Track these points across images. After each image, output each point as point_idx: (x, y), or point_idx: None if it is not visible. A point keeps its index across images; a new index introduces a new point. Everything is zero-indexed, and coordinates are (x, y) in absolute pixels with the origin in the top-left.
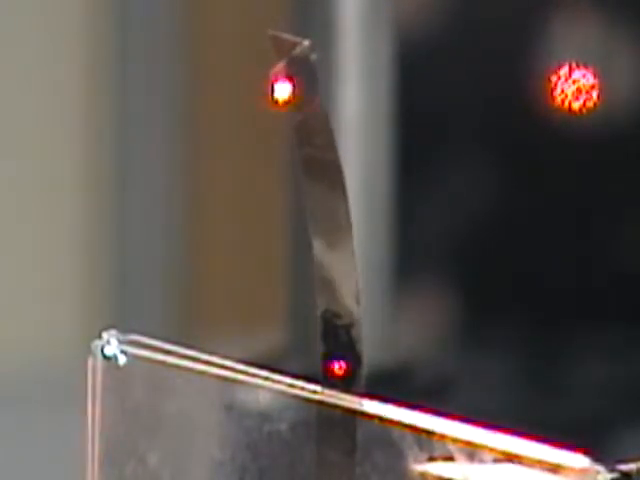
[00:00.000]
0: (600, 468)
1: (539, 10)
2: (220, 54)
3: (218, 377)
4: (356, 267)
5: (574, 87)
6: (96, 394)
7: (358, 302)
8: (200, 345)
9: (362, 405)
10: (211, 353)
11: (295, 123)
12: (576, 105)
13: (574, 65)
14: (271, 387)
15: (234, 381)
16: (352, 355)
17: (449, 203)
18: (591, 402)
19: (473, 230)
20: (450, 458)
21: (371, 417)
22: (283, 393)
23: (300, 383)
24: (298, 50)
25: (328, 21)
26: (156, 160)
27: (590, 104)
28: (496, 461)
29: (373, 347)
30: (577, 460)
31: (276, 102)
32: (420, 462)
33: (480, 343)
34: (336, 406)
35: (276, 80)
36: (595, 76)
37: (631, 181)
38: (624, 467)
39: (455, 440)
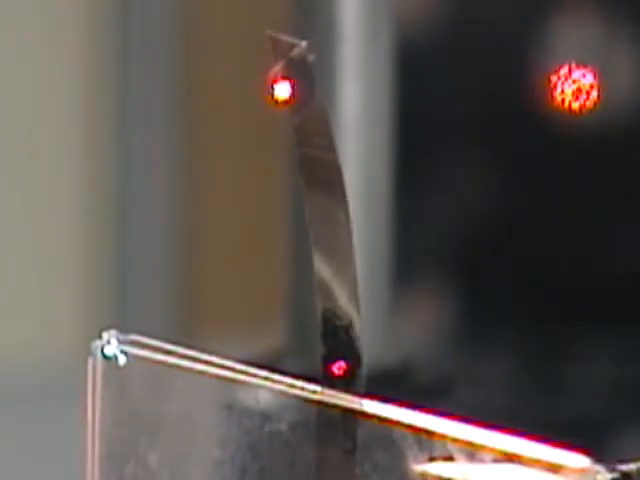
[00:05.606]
0: (600, 468)
1: (539, 10)
2: (220, 54)
3: (218, 377)
4: (355, 267)
5: (574, 87)
6: (96, 394)
7: (357, 302)
8: (200, 345)
9: (362, 405)
10: (211, 353)
11: (294, 124)
12: (576, 105)
13: (574, 65)
14: (271, 387)
15: (234, 381)
16: (352, 355)
17: (449, 203)
18: (591, 402)
19: (473, 230)
20: (450, 458)
21: (371, 417)
22: (283, 393)
23: (300, 383)
24: (296, 51)
25: (328, 21)
26: (156, 160)
27: (590, 104)
28: (496, 461)
29: (373, 347)
30: (577, 460)
31: (276, 102)
32: (420, 462)
33: (480, 343)
34: (336, 406)
35: (275, 81)
36: (595, 76)
37: (631, 180)
38: (624, 467)
39: (455, 440)
